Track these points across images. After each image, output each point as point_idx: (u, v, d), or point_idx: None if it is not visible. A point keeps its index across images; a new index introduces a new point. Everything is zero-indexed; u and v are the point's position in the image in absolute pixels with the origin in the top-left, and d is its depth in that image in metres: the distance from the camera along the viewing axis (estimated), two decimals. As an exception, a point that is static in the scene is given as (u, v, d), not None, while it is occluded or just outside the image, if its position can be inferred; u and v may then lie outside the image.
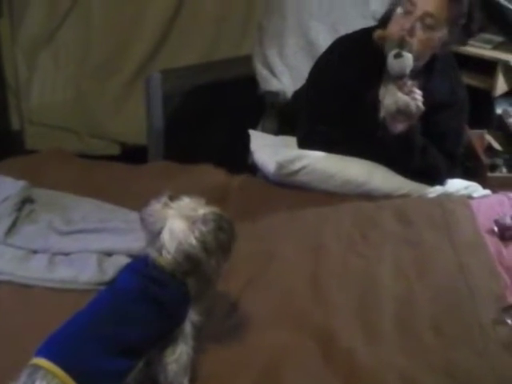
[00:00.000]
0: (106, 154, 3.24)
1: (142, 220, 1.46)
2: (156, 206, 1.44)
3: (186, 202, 1.46)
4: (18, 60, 3.21)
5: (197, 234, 1.40)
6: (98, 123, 3.28)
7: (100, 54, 3.18)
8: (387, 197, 2.22)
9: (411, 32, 2.12)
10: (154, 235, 1.42)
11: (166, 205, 1.45)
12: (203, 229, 1.40)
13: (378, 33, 2.18)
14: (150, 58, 3.19)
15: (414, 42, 2.11)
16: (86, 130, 3.31)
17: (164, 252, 1.41)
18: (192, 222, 1.40)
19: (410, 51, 2.09)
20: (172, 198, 1.46)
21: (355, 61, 2.27)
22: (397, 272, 1.86)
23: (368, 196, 2.22)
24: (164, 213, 1.43)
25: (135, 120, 3.13)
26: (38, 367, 1.26)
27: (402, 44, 2.09)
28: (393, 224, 2.08)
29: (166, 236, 1.41)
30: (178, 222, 1.41)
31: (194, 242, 1.39)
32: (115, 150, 3.35)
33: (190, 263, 1.41)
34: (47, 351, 1.29)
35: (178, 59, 3.11)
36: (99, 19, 3.11)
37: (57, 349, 1.30)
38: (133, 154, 3.16)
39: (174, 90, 2.85)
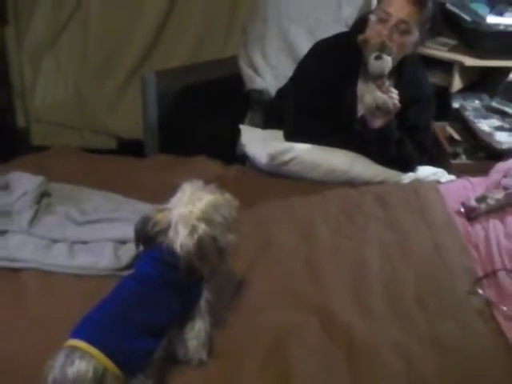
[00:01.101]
0: (104, 148, 3.19)
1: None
2: (157, 216, 1.41)
3: (184, 200, 1.41)
4: (24, 63, 3.16)
5: (194, 241, 1.35)
6: (96, 120, 3.23)
7: (98, 56, 3.13)
8: (367, 183, 2.22)
9: (389, 37, 2.13)
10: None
11: (160, 211, 1.42)
12: (200, 234, 1.36)
13: (360, 37, 2.18)
14: (143, 60, 3.15)
15: (393, 46, 2.12)
16: (86, 126, 3.26)
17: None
18: (192, 226, 1.36)
19: (389, 54, 2.10)
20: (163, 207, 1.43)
21: (335, 61, 2.27)
22: (381, 252, 1.86)
23: (350, 183, 2.22)
24: (166, 220, 1.40)
25: (131, 117, 3.09)
26: (74, 348, 1.24)
27: (382, 47, 2.10)
28: (374, 208, 2.07)
29: (172, 235, 1.38)
30: (180, 228, 1.36)
31: (192, 248, 1.36)
32: (112, 145, 3.30)
33: (196, 256, 1.37)
34: (82, 333, 1.26)
35: (170, 60, 3.07)
36: (97, 25, 3.06)
37: (91, 331, 1.27)
38: (128, 148, 3.12)
39: (167, 88, 2.81)
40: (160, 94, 2.80)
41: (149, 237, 1.42)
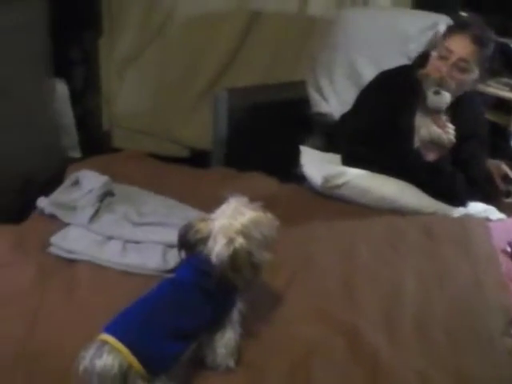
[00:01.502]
0: (177, 155, 3.21)
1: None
2: (199, 224, 1.38)
3: (227, 213, 1.38)
4: (112, 73, 3.22)
5: (229, 253, 1.32)
6: (172, 130, 3.26)
7: (176, 72, 3.16)
8: (416, 213, 2.11)
9: (449, 74, 2.05)
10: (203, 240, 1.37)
11: (203, 220, 1.39)
12: (237, 246, 1.32)
13: (421, 71, 2.12)
14: (217, 77, 3.15)
15: (452, 82, 2.04)
16: (162, 134, 3.28)
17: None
18: (229, 238, 1.33)
19: (447, 90, 2.03)
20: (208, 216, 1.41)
21: (395, 92, 2.21)
22: (419, 281, 1.76)
23: (399, 211, 2.12)
24: (207, 229, 1.37)
25: (203, 129, 3.08)
26: (104, 342, 1.23)
27: (441, 83, 2.03)
28: (419, 238, 1.97)
29: (210, 245, 1.35)
30: (218, 239, 1.33)
31: (227, 258, 1.32)
32: (185, 153, 3.32)
33: (229, 267, 1.34)
34: (114, 330, 1.25)
35: (242, 79, 3.06)
36: (177, 44, 3.10)
37: (123, 329, 1.26)
38: (199, 158, 3.13)
39: (237, 106, 2.79)
40: (230, 110, 2.78)
41: (190, 243, 1.40)
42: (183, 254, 1.44)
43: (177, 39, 3.07)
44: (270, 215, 1.43)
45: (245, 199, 1.42)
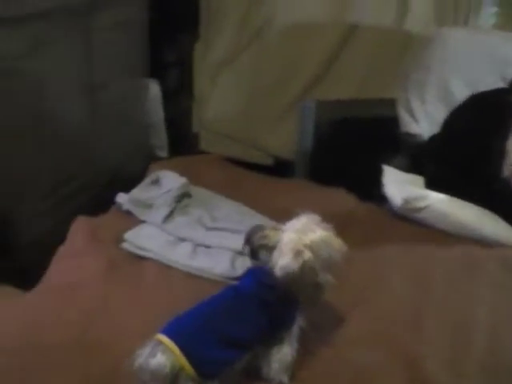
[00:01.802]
0: (262, 163, 3.21)
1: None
2: (268, 231, 1.37)
3: (297, 227, 1.36)
4: (205, 77, 3.26)
5: (297, 265, 1.30)
6: (258, 137, 3.26)
7: (269, 80, 3.16)
8: (497, 244, 2.00)
9: None
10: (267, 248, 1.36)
11: (274, 229, 1.38)
12: (305, 259, 1.30)
13: None
14: (309, 88, 3.12)
15: None
16: (248, 141, 3.29)
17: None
18: (297, 251, 1.31)
19: None
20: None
21: (488, 115, 2.13)
22: (493, 317, 1.66)
23: (479, 240, 2.01)
24: (274, 238, 1.36)
25: (289, 139, 3.07)
26: (160, 342, 1.24)
27: None
28: (497, 271, 1.86)
29: (275, 256, 1.33)
30: (285, 251, 1.32)
31: (293, 271, 1.30)
32: (269, 161, 3.32)
33: (294, 282, 1.32)
34: (170, 331, 1.26)
35: (333, 92, 3.01)
36: (272, 52, 3.10)
37: (178, 331, 1.27)
38: (283, 167, 3.12)
39: (324, 118, 2.76)
40: (317, 122, 2.76)
41: (253, 246, 1.39)
42: (249, 262, 1.44)
43: (272, 46, 3.07)
44: (340, 240, 1.39)
45: (317, 217, 1.40)
